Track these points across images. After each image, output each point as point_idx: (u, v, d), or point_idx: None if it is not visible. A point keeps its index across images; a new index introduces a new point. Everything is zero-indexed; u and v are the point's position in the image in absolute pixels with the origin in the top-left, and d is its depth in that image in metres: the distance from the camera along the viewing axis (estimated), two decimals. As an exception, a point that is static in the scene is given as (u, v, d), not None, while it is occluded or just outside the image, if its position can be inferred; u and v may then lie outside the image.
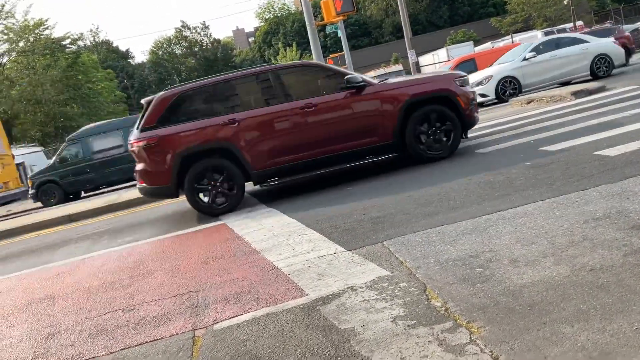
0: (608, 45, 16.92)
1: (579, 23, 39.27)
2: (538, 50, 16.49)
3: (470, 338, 2.62)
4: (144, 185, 7.88)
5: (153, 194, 8.24)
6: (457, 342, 2.61)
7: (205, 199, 7.60)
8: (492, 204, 4.88)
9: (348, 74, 7.95)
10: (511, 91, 16.42)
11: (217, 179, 7.56)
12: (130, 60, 79.59)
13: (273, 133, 7.68)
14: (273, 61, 59.66)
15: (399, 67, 43.89)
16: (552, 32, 33.49)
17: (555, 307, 2.74)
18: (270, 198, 8.00)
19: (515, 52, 17.75)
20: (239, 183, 7.62)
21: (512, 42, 30.04)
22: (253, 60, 75.17)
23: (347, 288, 3.59)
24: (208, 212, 7.58)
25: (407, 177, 7.22)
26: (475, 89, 13.45)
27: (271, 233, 5.63)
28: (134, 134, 7.77)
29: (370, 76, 11.07)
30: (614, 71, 16.64)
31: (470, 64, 21.28)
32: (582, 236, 3.61)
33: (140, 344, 3.47)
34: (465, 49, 37.88)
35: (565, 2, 46.00)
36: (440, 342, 2.64)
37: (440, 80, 8.19)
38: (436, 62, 38.39)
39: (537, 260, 3.39)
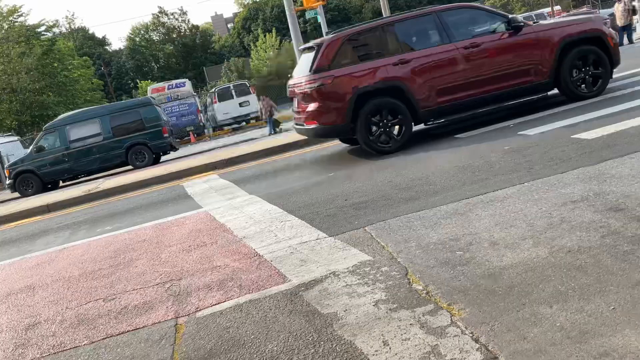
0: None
1: (557, 8, 39.59)
2: None
3: (451, 320, 2.66)
4: (316, 125, 8.09)
5: (326, 133, 8.57)
6: (438, 325, 2.64)
7: (372, 137, 7.96)
8: (472, 188, 4.93)
9: (509, 15, 8.58)
10: None
11: (387, 118, 7.95)
12: (107, 47, 78.36)
13: (439, 72, 8.04)
14: (252, 48, 59.09)
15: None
16: (530, 17, 33.76)
17: (534, 289, 2.79)
18: (252, 186, 7.97)
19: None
20: (407, 123, 8.01)
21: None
22: (232, 46, 74.49)
23: (330, 273, 3.61)
24: (373, 148, 8.01)
25: (388, 163, 7.25)
26: None
27: (253, 220, 5.62)
28: (305, 75, 8.12)
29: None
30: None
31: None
32: (561, 219, 3.67)
33: (122, 333, 3.45)
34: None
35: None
36: (421, 325, 2.67)
37: (592, 22, 8.69)
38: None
39: (516, 242, 3.44)
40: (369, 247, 3.99)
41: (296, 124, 8.96)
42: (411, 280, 3.24)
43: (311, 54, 8.29)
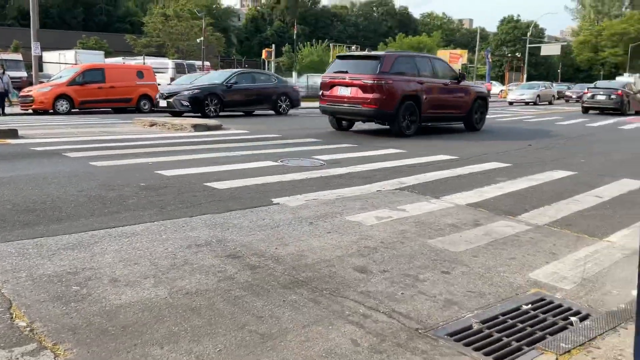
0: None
1: (207, 63, 42.44)
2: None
3: (55, 362, 2.41)
4: (375, 108, 12.12)
5: (379, 116, 12.57)
6: (38, 367, 2.36)
7: (402, 125, 12.50)
8: (101, 220, 4.72)
9: (458, 72, 15.44)
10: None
11: (409, 114, 12.61)
12: None
13: (431, 94, 13.07)
14: None
15: (18, 56, 39.28)
16: (182, 65, 35.35)
17: (148, 329, 2.76)
18: None
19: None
20: (417, 121, 12.85)
21: (144, 63, 30.40)
22: None
23: None
24: (401, 132, 12.51)
25: (21, 176, 6.41)
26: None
27: None
28: (370, 75, 12.14)
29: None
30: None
31: (98, 73, 20.62)
32: (184, 260, 3.78)
33: None
34: (96, 58, 36.55)
35: (198, 41, 49.20)
36: (18, 368, 2.35)
37: (483, 88, 16.69)
38: (62, 61, 35.89)
39: (137, 280, 3.39)
40: (-35, 274, 3.38)
41: (337, 104, 12.93)
42: (14, 315, 2.85)
43: (369, 61, 12.75)
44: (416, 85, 12.70)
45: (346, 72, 12.82)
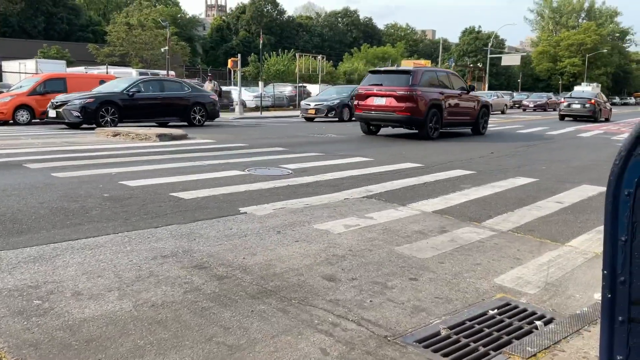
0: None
1: (172, 72, 42.05)
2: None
3: (15, 379, 2.33)
4: (408, 115, 14.32)
5: (412, 122, 14.67)
6: (-3, 385, 2.28)
7: (429, 128, 14.87)
8: (63, 232, 4.60)
9: (468, 85, 17.50)
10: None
11: (434, 120, 14.96)
12: None
13: (449, 103, 15.44)
14: None
15: (-23, 66, 38.23)
16: (146, 73, 34.92)
17: (113, 343, 2.70)
18: None
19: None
20: (439, 126, 15.24)
21: (107, 72, 29.95)
22: None
23: None
24: (428, 136, 14.77)
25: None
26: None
27: None
28: (402, 87, 14.48)
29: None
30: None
31: (60, 83, 20.21)
32: (149, 272, 3.72)
33: None
34: (57, 67, 35.82)
35: (162, 50, 48.75)
36: (-24, 387, 2.26)
37: (485, 98, 19.64)
38: (22, 71, 35.07)
39: (101, 293, 3.31)
40: None
41: (373, 112, 15.10)
42: (-29, 332, 2.74)
43: (401, 75, 15.14)
44: (439, 95, 15.00)
45: (381, 84, 15.09)
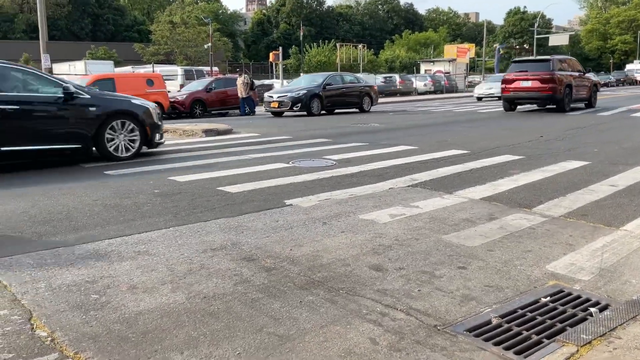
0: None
1: (215, 69, 42.61)
2: None
3: (77, 370, 2.44)
4: (552, 94, 18.38)
5: (554, 100, 18.69)
6: (61, 376, 2.39)
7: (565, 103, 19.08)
8: (117, 228, 4.76)
9: (550, 57, 20.31)
10: None
11: (568, 98, 19.29)
12: None
13: (576, 83, 19.88)
14: None
15: (30, 70, 39.59)
16: (191, 71, 35.52)
17: (168, 334, 2.78)
18: None
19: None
20: (570, 102, 19.51)
21: (153, 71, 30.59)
22: None
23: None
24: (563, 110, 18.78)
25: (21, 191, 6.48)
26: None
27: None
28: (545, 71, 18.44)
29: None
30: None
31: (108, 83, 20.78)
32: (200, 265, 3.81)
33: None
34: (106, 67, 36.86)
35: (205, 47, 49.42)
36: (41, 377, 2.38)
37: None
38: (72, 73, 36.24)
39: (155, 287, 3.41)
40: (-14, 287, 3.43)
41: (519, 92, 19.12)
42: (35, 326, 2.88)
43: (542, 63, 19.23)
44: (569, 77, 19.12)
45: (526, 71, 19.12)
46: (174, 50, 54.37)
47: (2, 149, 7.75)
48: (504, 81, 19.79)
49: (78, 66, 38.91)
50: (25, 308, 3.11)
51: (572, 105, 19.93)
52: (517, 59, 22.50)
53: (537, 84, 18.52)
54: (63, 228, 4.81)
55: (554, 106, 19.24)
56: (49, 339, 2.74)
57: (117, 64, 45.41)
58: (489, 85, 32.09)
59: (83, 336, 2.76)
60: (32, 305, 3.14)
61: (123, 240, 4.40)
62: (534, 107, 20.83)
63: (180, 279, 3.54)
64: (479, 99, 31.94)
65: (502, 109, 20.39)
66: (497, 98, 29.76)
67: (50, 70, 25.15)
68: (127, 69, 36.97)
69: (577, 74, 19.85)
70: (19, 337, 2.76)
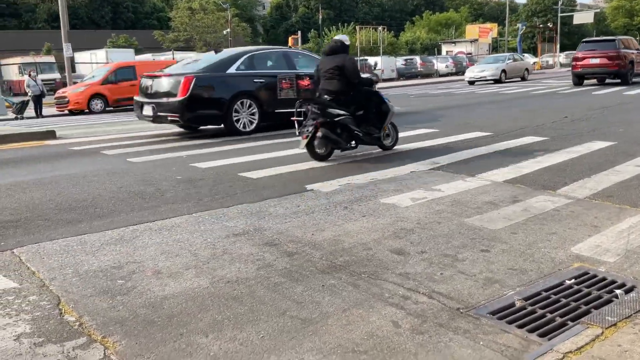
0: None
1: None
2: None
3: (105, 354, 2.49)
4: (617, 69, 21.17)
5: (620, 74, 21.41)
6: None
7: (629, 79, 21.98)
8: (141, 215, 4.82)
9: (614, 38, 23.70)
10: None
11: (632, 73, 22.05)
12: None
13: (637, 60, 22.71)
14: None
15: (51, 58, 40.13)
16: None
17: (193, 318, 2.82)
18: None
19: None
20: (633, 77, 22.46)
21: (173, 58, 30.73)
22: None
23: (-40, 303, 3.04)
24: (627, 83, 21.50)
25: (49, 179, 6.60)
26: None
27: None
28: (612, 50, 21.33)
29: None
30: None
31: (129, 71, 20.94)
32: (223, 250, 3.84)
33: None
34: (126, 55, 37.12)
35: (224, 32, 49.46)
36: (71, 361, 2.43)
37: None
38: (93, 61, 36.59)
39: (179, 272, 3.46)
40: (15, 273, 3.51)
41: (589, 68, 21.77)
42: (63, 311, 2.94)
43: (608, 42, 22.04)
44: (632, 54, 21.93)
45: (594, 49, 21.71)
46: (193, 36, 54.42)
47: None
48: (575, 59, 22.56)
49: (99, 54, 39.27)
50: (54, 294, 3.18)
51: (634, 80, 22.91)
52: (586, 39, 24.82)
53: (604, 60, 21.29)
54: (88, 215, 4.89)
55: (618, 80, 21.85)
56: (77, 323, 2.80)
57: (138, 51, 45.64)
58: (481, 68, 29.89)
59: (110, 320, 2.82)
60: (60, 291, 3.21)
61: (147, 227, 4.46)
62: (594, 81, 23.21)
63: (204, 264, 3.58)
64: (471, 82, 29.42)
65: (565, 84, 23.46)
66: (491, 81, 28.71)
67: (72, 59, 25.44)
68: (147, 57, 37.20)
69: (636, 51, 22.65)
70: (48, 322, 2.82)
